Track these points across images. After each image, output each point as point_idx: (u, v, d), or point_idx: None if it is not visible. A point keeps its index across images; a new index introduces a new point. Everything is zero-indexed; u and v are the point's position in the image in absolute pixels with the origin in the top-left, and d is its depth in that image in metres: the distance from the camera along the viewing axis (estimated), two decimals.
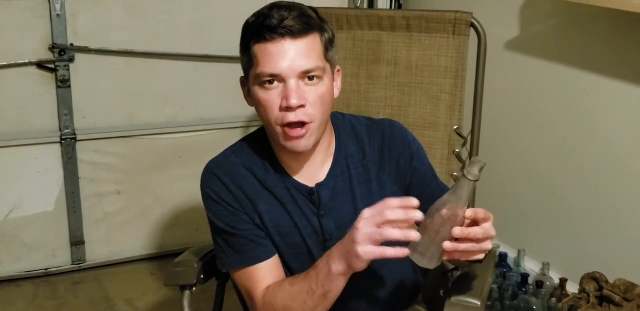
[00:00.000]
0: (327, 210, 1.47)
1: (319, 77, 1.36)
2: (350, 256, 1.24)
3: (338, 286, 1.31)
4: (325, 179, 1.47)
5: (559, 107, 2.41)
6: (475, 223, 1.23)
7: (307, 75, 1.34)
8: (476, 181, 1.19)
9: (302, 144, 1.38)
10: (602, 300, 2.16)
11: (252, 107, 1.43)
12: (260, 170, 1.46)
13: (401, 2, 3.00)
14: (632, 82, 2.15)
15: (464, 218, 1.21)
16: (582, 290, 2.23)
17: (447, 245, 1.20)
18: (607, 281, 2.18)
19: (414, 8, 2.90)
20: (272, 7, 1.36)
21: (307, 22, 1.34)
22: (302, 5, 1.39)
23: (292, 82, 1.33)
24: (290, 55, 1.33)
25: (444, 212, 1.20)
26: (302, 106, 1.34)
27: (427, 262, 1.23)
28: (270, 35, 1.32)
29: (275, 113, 1.35)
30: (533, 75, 2.50)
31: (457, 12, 2.09)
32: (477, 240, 1.21)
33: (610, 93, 2.23)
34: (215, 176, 1.46)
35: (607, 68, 2.22)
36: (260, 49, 1.34)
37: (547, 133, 2.48)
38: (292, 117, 1.34)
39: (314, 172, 1.47)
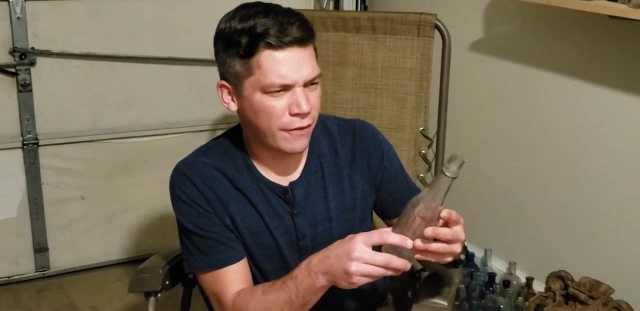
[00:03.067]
0: (300, 209, 1.46)
1: (317, 82, 1.37)
2: (339, 273, 1.24)
3: (318, 296, 1.32)
4: (299, 178, 1.47)
5: (524, 107, 2.44)
6: (446, 224, 1.24)
7: (311, 82, 1.35)
8: (454, 178, 1.20)
9: (303, 144, 1.39)
10: (568, 298, 2.18)
11: (223, 110, 1.42)
12: (231, 171, 1.45)
13: (366, 3, 3.01)
14: (595, 81, 2.18)
15: (439, 216, 1.22)
16: (548, 289, 2.25)
17: (418, 243, 1.21)
18: (572, 280, 2.21)
19: (379, 10, 2.91)
20: (263, 11, 1.32)
21: (310, 29, 1.34)
22: (292, 9, 1.37)
23: (300, 90, 1.33)
24: (300, 64, 1.32)
25: (421, 209, 1.21)
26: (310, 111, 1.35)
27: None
28: (279, 43, 1.30)
29: (281, 119, 1.34)
30: (497, 76, 2.52)
31: (421, 13, 2.10)
32: (447, 241, 1.23)
33: (574, 93, 2.25)
34: (185, 176, 1.44)
35: (570, 68, 2.25)
36: (267, 58, 1.31)
37: (511, 133, 2.50)
38: (303, 122, 1.35)
39: (287, 171, 1.47)
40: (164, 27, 2.77)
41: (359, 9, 3.00)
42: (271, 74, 1.31)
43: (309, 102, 1.34)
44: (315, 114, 1.38)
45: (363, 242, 1.22)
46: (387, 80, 2.15)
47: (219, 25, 1.37)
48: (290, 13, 1.34)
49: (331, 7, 3.01)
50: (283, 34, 1.29)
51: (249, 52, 1.31)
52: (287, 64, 1.31)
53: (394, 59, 2.14)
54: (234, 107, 1.40)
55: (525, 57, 2.39)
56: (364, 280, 1.23)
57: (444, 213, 1.22)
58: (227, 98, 1.40)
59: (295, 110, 1.33)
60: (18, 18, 2.51)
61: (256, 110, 1.35)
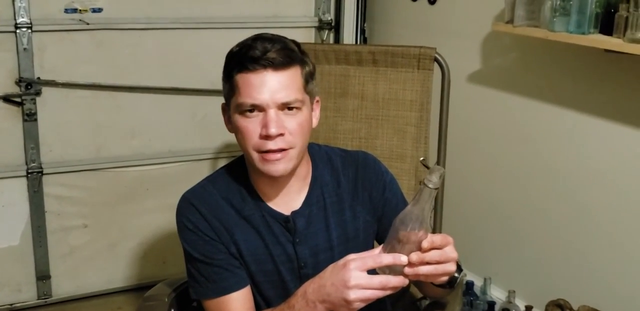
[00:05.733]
0: (302, 238, 1.49)
1: (298, 108, 1.40)
2: (339, 301, 1.25)
3: None
4: (300, 207, 1.50)
5: (521, 138, 2.47)
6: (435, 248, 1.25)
7: (287, 106, 1.38)
8: (436, 189, 1.22)
9: (280, 168, 1.41)
10: None
11: (229, 135, 1.47)
12: (236, 199, 1.48)
13: (366, 36, 3.06)
14: (592, 114, 2.21)
15: (427, 228, 1.23)
16: None
17: (408, 270, 1.23)
18: (571, 308, 2.22)
19: (378, 43, 2.96)
20: (256, 38, 1.40)
21: (289, 55, 1.38)
22: (285, 38, 1.43)
23: (272, 112, 1.37)
24: (271, 86, 1.36)
25: (407, 225, 1.22)
26: (281, 134, 1.38)
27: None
28: (252, 66, 1.36)
29: (254, 140, 1.39)
30: (496, 107, 2.55)
31: (421, 47, 2.15)
32: (436, 263, 1.24)
33: (571, 125, 2.28)
34: (192, 205, 1.47)
35: (567, 100, 2.28)
36: (242, 79, 1.38)
37: (510, 163, 2.53)
38: (271, 145, 1.38)
39: (289, 200, 1.50)
40: (167, 58, 2.81)
41: (358, 42, 3.05)
42: (243, 94, 1.37)
43: (283, 125, 1.37)
44: (292, 140, 1.40)
45: (358, 269, 1.23)
46: (388, 112, 2.19)
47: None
48: (275, 40, 1.40)
49: (331, 40, 3.07)
50: (260, 58, 1.36)
51: (229, 74, 1.40)
52: (258, 86, 1.36)
53: (395, 90, 2.18)
54: (230, 128, 1.47)
55: (522, 89, 2.43)
56: (364, 304, 1.25)
57: (425, 244, 1.22)
58: (227, 119, 1.47)
59: (263, 132, 1.37)
60: (24, 49, 2.55)
61: (236, 130, 1.42)
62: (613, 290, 2.21)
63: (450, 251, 1.25)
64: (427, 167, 2.21)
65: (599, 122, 2.19)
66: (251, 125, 1.38)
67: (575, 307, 2.21)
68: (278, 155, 1.39)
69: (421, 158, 2.19)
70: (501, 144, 2.55)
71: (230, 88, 1.41)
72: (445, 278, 1.30)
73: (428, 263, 1.23)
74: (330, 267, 1.28)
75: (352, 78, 2.21)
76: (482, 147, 2.63)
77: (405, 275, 1.23)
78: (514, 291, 2.43)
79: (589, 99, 2.22)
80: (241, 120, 1.39)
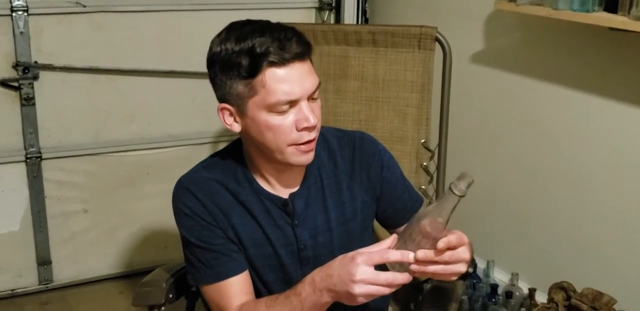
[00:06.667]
0: (301, 220, 1.47)
1: (318, 93, 1.38)
2: (343, 293, 1.24)
3: None
4: (298, 189, 1.48)
5: (524, 118, 2.44)
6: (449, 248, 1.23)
7: (313, 94, 1.35)
8: (462, 196, 1.20)
9: (311, 157, 1.40)
10: (571, 309, 2.18)
11: (225, 126, 1.41)
12: (233, 184, 1.46)
13: (367, 17, 3.03)
14: (595, 92, 2.19)
15: (443, 232, 1.21)
16: (551, 300, 2.25)
17: (414, 267, 1.21)
18: (575, 291, 2.21)
19: (380, 23, 2.93)
20: (258, 30, 1.32)
21: (307, 43, 1.35)
22: (284, 24, 1.37)
23: (305, 103, 1.34)
24: (302, 77, 1.32)
25: (425, 224, 1.20)
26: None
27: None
28: (281, 60, 1.30)
29: (290, 135, 1.35)
30: (498, 88, 2.53)
31: (422, 26, 2.12)
32: (445, 263, 1.22)
33: (575, 104, 2.26)
34: (187, 191, 1.45)
35: (571, 79, 2.26)
36: (271, 76, 1.30)
37: (513, 144, 2.51)
38: (311, 135, 1.36)
39: (288, 183, 1.48)
40: (166, 41, 2.79)
41: (359, 22, 3.02)
42: (276, 91, 1.31)
43: (315, 114, 1.35)
44: (319, 126, 1.39)
45: (365, 263, 1.21)
46: (389, 93, 2.17)
47: (211, 49, 1.36)
48: (284, 28, 1.34)
49: (332, 20, 3.03)
50: (283, 51, 1.29)
51: (252, 73, 1.31)
52: (290, 80, 1.31)
53: (395, 71, 2.16)
54: (237, 127, 1.39)
55: (525, 68, 2.40)
56: (369, 299, 1.24)
57: (440, 243, 1.20)
58: (230, 120, 1.39)
59: (304, 125, 1.34)
60: (21, 32, 2.53)
61: (262, 128, 1.35)
62: (616, 272, 2.20)
63: (463, 252, 1.23)
64: (429, 149, 2.19)
65: (603, 102, 2.17)
66: (286, 121, 1.34)
67: (578, 289, 2.19)
68: (313, 144, 1.38)
69: (422, 140, 2.17)
70: (504, 125, 2.53)
71: (250, 88, 1.32)
72: (454, 278, 1.28)
73: (437, 263, 1.22)
74: (339, 258, 1.27)
75: (352, 59, 2.18)
76: (485, 128, 2.61)
77: (412, 272, 1.22)
78: (517, 274, 2.42)
79: (593, 78, 2.20)
80: (273, 119, 1.33)
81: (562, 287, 2.24)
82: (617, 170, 2.17)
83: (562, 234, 2.38)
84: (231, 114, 1.38)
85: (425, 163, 2.20)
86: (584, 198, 2.29)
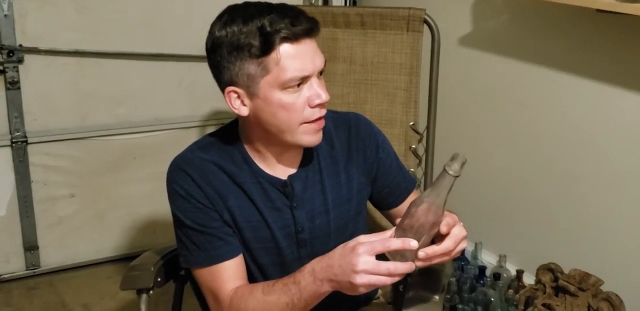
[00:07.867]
0: (299, 202, 1.47)
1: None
2: (345, 283, 1.24)
3: (320, 300, 1.32)
4: (297, 171, 1.47)
5: (513, 101, 2.44)
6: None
7: (321, 71, 1.36)
8: (457, 177, 1.19)
9: (320, 137, 1.41)
10: (558, 290, 2.20)
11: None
12: (229, 165, 1.44)
13: None
14: (583, 75, 2.19)
15: (442, 216, 1.22)
16: (538, 281, 2.27)
17: (420, 264, 1.24)
18: (562, 272, 2.22)
19: (368, 5, 2.91)
20: (266, 9, 1.32)
21: (315, 20, 1.34)
22: (286, 4, 1.36)
23: (316, 80, 1.34)
24: (313, 53, 1.33)
25: (423, 210, 1.20)
26: None
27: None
28: (294, 36, 1.29)
29: (303, 113, 1.34)
30: (487, 70, 2.52)
31: (410, 8, 2.11)
32: (449, 252, 1.26)
33: (563, 87, 2.26)
34: (183, 171, 1.43)
35: (559, 62, 2.26)
36: (284, 52, 1.30)
37: (501, 127, 2.51)
38: (322, 111, 1.37)
39: (287, 165, 1.47)
40: (153, 23, 2.76)
41: (348, 4, 3.00)
42: (290, 68, 1.30)
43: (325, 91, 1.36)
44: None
45: (366, 253, 1.21)
46: (377, 75, 2.16)
47: (213, 33, 1.34)
48: (290, 6, 1.34)
49: (320, 2, 3.01)
50: (295, 27, 1.29)
51: (265, 51, 1.30)
52: (303, 56, 1.31)
53: (384, 54, 2.15)
54: (245, 111, 1.37)
55: (514, 51, 2.40)
56: (370, 289, 1.24)
57: (443, 228, 1.23)
58: (237, 103, 1.37)
59: (317, 101, 1.34)
60: (5, 15, 2.49)
61: (275, 108, 1.34)
62: (603, 253, 2.22)
63: (460, 231, 1.27)
64: (417, 132, 2.19)
65: (590, 84, 2.17)
66: (300, 98, 1.33)
67: (566, 271, 2.21)
68: (323, 122, 1.38)
69: (411, 123, 2.17)
70: (492, 108, 2.53)
71: (263, 67, 1.31)
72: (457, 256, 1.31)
73: (443, 255, 1.25)
74: (340, 248, 1.26)
75: (340, 41, 2.17)
76: (473, 111, 2.61)
77: (418, 260, 1.24)
78: (505, 256, 2.43)
79: (580, 61, 2.20)
80: (287, 97, 1.33)
81: (549, 269, 2.26)
82: (603, 152, 2.18)
83: (549, 216, 2.39)
84: (239, 97, 1.36)
85: (414, 146, 2.20)
86: (571, 180, 2.29)
